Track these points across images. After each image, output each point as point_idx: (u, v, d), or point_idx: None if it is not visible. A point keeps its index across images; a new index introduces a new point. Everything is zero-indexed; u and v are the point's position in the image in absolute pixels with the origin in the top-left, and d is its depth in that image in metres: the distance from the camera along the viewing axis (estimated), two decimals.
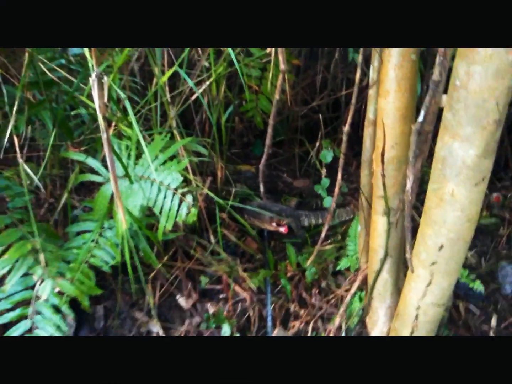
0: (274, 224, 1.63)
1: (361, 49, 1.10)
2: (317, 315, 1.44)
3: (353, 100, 1.12)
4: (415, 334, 1.06)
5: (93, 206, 1.37)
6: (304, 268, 1.57)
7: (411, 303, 1.03)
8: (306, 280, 1.53)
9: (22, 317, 1.28)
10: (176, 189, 1.25)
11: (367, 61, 1.20)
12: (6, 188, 1.33)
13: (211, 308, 1.50)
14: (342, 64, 1.85)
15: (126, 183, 1.29)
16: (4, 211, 1.30)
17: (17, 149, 1.24)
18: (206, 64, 1.58)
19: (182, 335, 1.45)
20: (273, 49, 1.29)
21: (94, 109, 1.34)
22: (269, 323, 1.44)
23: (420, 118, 0.84)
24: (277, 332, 1.42)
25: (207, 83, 1.46)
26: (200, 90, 1.42)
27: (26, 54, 1.20)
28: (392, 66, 1.00)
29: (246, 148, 2.19)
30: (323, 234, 1.31)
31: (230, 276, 1.54)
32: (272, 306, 1.48)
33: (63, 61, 1.39)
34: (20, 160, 1.24)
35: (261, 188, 1.50)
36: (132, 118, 1.09)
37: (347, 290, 1.43)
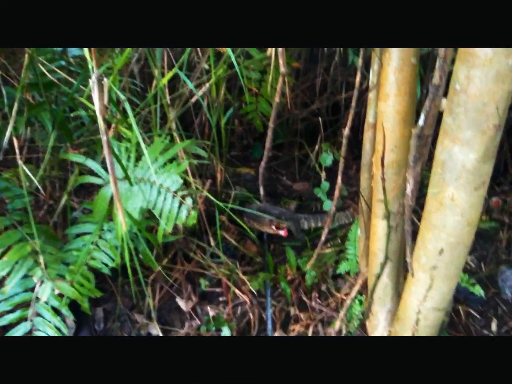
0: (273, 227, 1.63)
1: (361, 53, 1.10)
2: (317, 319, 1.44)
3: (353, 104, 1.12)
4: None
5: (92, 208, 1.37)
6: (303, 272, 1.57)
7: (411, 307, 1.02)
8: (306, 284, 1.53)
9: (22, 319, 1.28)
10: (176, 191, 1.25)
11: (366, 64, 1.20)
12: (6, 190, 1.33)
13: (211, 311, 1.49)
14: (341, 67, 1.85)
15: (125, 185, 1.28)
16: (3, 213, 1.30)
17: (17, 150, 1.23)
18: (206, 66, 1.58)
19: None
20: (273, 51, 1.30)
21: (94, 111, 1.34)
22: (269, 326, 1.43)
23: (421, 122, 0.84)
24: (277, 335, 1.42)
25: (207, 85, 1.46)
26: (200, 93, 1.42)
27: (26, 56, 1.20)
28: (392, 70, 1.00)
29: (245, 151, 2.19)
30: (323, 238, 1.31)
31: (230, 279, 1.54)
32: (272, 310, 1.48)
33: (63, 62, 1.39)
34: (20, 162, 1.24)
35: (261, 191, 1.50)
36: (132, 120, 1.08)
37: (347, 294, 1.42)
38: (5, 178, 1.36)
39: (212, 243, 1.60)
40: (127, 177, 1.26)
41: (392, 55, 0.98)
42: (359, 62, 1.08)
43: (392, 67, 0.99)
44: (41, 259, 1.27)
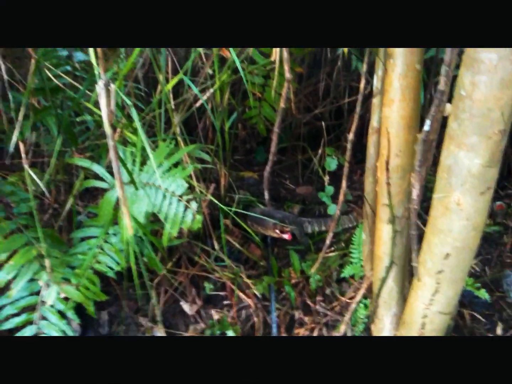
0: (277, 231, 1.63)
1: (365, 58, 1.11)
2: (321, 322, 1.44)
3: (357, 109, 1.12)
4: None
5: (97, 212, 1.38)
6: (308, 275, 1.57)
7: (417, 311, 1.03)
8: (310, 287, 1.53)
9: (28, 323, 1.29)
10: (181, 195, 1.26)
11: (370, 69, 1.21)
12: (11, 194, 1.34)
13: (215, 315, 1.50)
14: (344, 72, 1.86)
15: (131, 190, 1.29)
16: (9, 217, 1.30)
17: (23, 154, 1.24)
18: (210, 71, 1.59)
19: None
20: (277, 57, 1.30)
21: (99, 116, 1.35)
22: (274, 330, 1.43)
23: (426, 127, 0.85)
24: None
25: (211, 90, 1.47)
26: (205, 97, 1.43)
27: (32, 61, 1.21)
28: (396, 76, 1.00)
29: (248, 155, 2.20)
30: (327, 242, 1.31)
31: (234, 283, 1.54)
32: (277, 313, 1.48)
33: (68, 67, 1.40)
34: (26, 166, 1.24)
35: (266, 195, 1.51)
36: (138, 125, 1.09)
37: (352, 298, 1.43)
38: (11, 182, 1.37)
39: (216, 246, 1.61)
40: (132, 182, 1.27)
41: (396, 61, 0.99)
42: (364, 67, 1.09)
43: (397, 73, 1.00)
44: (46, 262, 1.27)
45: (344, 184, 1.22)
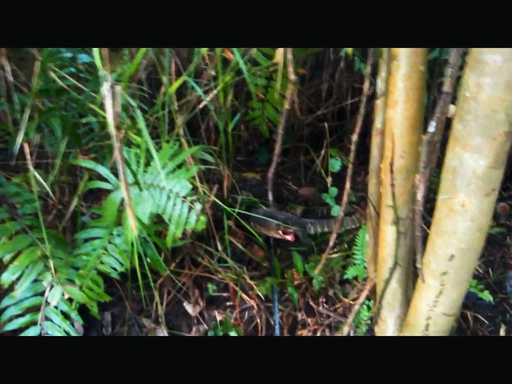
0: (280, 232, 1.63)
1: (369, 59, 1.11)
2: (324, 324, 1.44)
3: (361, 110, 1.13)
4: None
5: (101, 213, 1.38)
6: (310, 276, 1.57)
7: (421, 312, 1.03)
8: (313, 289, 1.53)
9: (32, 323, 1.29)
10: (185, 196, 1.26)
11: (372, 70, 1.21)
12: (16, 195, 1.34)
13: (218, 316, 1.50)
14: (347, 73, 1.86)
15: (135, 191, 1.29)
16: (14, 218, 1.31)
17: (28, 156, 1.25)
18: (213, 72, 1.60)
19: None
20: (281, 58, 1.31)
21: (103, 117, 1.36)
22: (277, 331, 1.44)
23: (431, 129, 0.85)
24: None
25: (214, 91, 1.47)
26: (208, 98, 1.44)
27: (37, 63, 1.22)
28: (400, 77, 1.01)
29: (251, 156, 2.20)
30: (331, 243, 1.32)
31: (237, 284, 1.54)
32: (280, 314, 1.48)
33: (72, 69, 1.41)
34: (31, 167, 1.25)
35: (270, 197, 1.51)
36: (142, 126, 1.10)
37: (355, 299, 1.43)
38: (16, 183, 1.37)
39: (219, 247, 1.61)
40: (137, 183, 1.28)
41: (400, 62, 0.99)
42: (368, 68, 1.09)
43: (401, 74, 1.00)
44: (51, 263, 1.28)
45: (347, 185, 1.22)
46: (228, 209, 1.42)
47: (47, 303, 1.31)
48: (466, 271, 0.94)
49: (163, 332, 1.46)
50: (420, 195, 0.91)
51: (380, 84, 1.15)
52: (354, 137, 1.16)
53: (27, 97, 1.28)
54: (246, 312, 1.52)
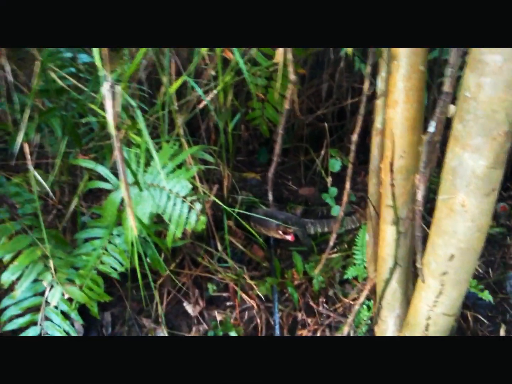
0: (280, 232, 1.63)
1: (369, 59, 1.11)
2: (324, 324, 1.44)
3: (361, 110, 1.13)
4: None
5: (101, 213, 1.38)
6: (310, 276, 1.57)
7: (421, 312, 1.03)
8: (313, 289, 1.53)
9: (32, 323, 1.29)
10: (185, 196, 1.26)
11: (372, 71, 1.21)
12: (16, 195, 1.34)
13: (218, 316, 1.50)
14: (347, 73, 1.86)
15: (135, 191, 1.29)
16: (14, 218, 1.31)
17: (28, 156, 1.25)
18: (212, 72, 1.60)
19: None
20: (281, 58, 1.31)
21: (103, 117, 1.36)
22: (277, 331, 1.44)
23: (431, 129, 0.85)
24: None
25: (214, 91, 1.47)
26: (208, 98, 1.44)
27: (38, 62, 1.21)
28: (400, 77, 1.01)
29: (251, 156, 2.20)
30: (331, 243, 1.32)
31: (237, 284, 1.54)
32: (279, 314, 1.48)
33: (72, 69, 1.41)
34: (31, 167, 1.25)
35: (270, 197, 1.51)
36: (142, 126, 1.10)
37: (355, 299, 1.43)
38: (16, 183, 1.37)
39: (219, 247, 1.61)
40: (136, 183, 1.28)
41: (400, 62, 1.00)
42: (368, 68, 1.09)
43: (401, 75, 1.00)
44: (51, 263, 1.28)
45: (347, 185, 1.22)
46: (228, 209, 1.42)
47: (47, 303, 1.31)
48: (466, 271, 0.94)
49: (163, 332, 1.46)
50: (420, 195, 0.91)
51: (380, 84, 1.15)
52: (354, 137, 1.16)
53: (27, 97, 1.28)
54: (246, 312, 1.52)
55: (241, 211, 1.52)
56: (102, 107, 1.31)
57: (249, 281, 1.55)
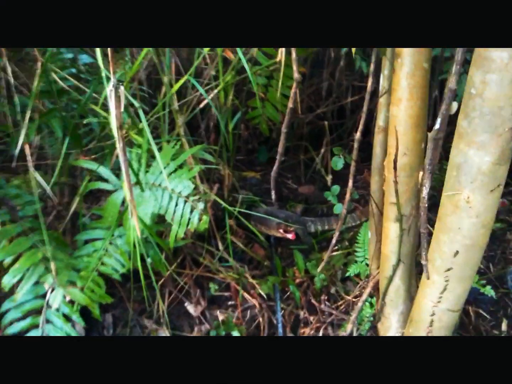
0: (281, 230, 1.63)
1: (373, 57, 1.11)
2: (326, 322, 1.44)
3: (364, 108, 1.13)
4: None
5: (102, 214, 1.37)
6: (312, 275, 1.57)
7: (425, 309, 1.03)
8: (315, 287, 1.53)
9: (33, 326, 1.28)
10: (187, 196, 1.26)
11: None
12: (16, 197, 1.33)
13: (220, 315, 1.50)
14: (347, 71, 1.87)
15: (137, 191, 1.29)
16: (14, 220, 1.30)
17: (29, 157, 1.24)
18: (212, 72, 1.60)
19: None
20: (283, 57, 1.31)
21: (104, 117, 1.35)
22: (280, 330, 1.44)
23: (437, 126, 0.86)
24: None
25: (215, 91, 1.47)
26: (210, 97, 1.43)
27: (39, 63, 1.20)
28: (404, 75, 1.01)
29: (250, 155, 2.20)
30: (333, 241, 1.32)
31: (238, 283, 1.54)
32: (282, 313, 1.48)
33: (73, 70, 1.40)
34: (32, 169, 1.24)
35: (273, 196, 1.51)
36: (145, 127, 1.09)
37: (357, 296, 1.43)
38: (16, 185, 1.36)
39: (221, 247, 1.61)
40: (138, 183, 1.27)
41: (404, 60, 1.00)
42: (371, 66, 1.09)
43: (404, 72, 1.00)
44: (52, 265, 1.27)
45: (350, 183, 1.22)
46: (230, 208, 1.42)
47: (48, 306, 1.30)
48: (471, 267, 0.95)
49: (165, 332, 1.45)
50: (425, 192, 0.91)
51: (382, 82, 1.15)
52: (357, 135, 1.16)
53: (27, 98, 1.27)
54: (248, 311, 1.52)
55: (242, 210, 1.52)
56: (103, 107, 1.31)
57: (250, 280, 1.55)
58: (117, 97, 0.93)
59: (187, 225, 1.25)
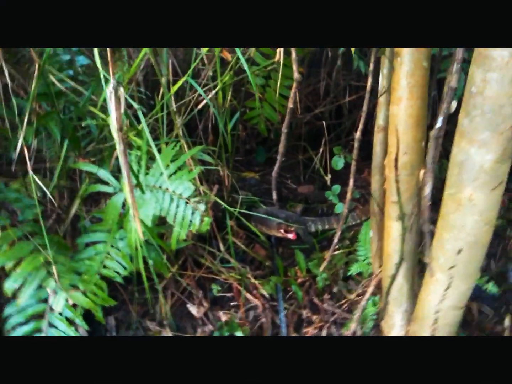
0: (282, 230, 1.63)
1: (372, 57, 1.12)
2: (329, 321, 1.45)
3: (364, 108, 1.13)
4: None
5: (103, 217, 1.37)
6: (314, 274, 1.58)
7: (430, 306, 1.04)
8: (318, 286, 1.54)
9: (36, 331, 1.27)
10: (188, 198, 1.25)
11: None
12: (16, 201, 1.32)
13: (223, 316, 1.50)
14: (344, 71, 1.87)
15: (137, 193, 1.28)
16: (15, 224, 1.29)
17: (28, 161, 1.23)
18: (210, 72, 1.59)
19: None
20: (281, 57, 1.31)
21: (103, 119, 1.34)
22: (283, 330, 1.44)
23: (439, 124, 0.86)
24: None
25: (213, 92, 1.47)
26: (209, 97, 1.43)
27: (36, 65, 1.20)
28: (404, 74, 1.01)
29: (248, 155, 2.20)
30: (335, 240, 1.32)
31: (241, 284, 1.54)
32: (284, 313, 1.49)
33: (71, 72, 1.39)
34: (31, 172, 1.23)
35: (274, 196, 1.51)
36: (145, 128, 1.09)
37: (359, 295, 1.43)
38: (15, 189, 1.35)
39: (222, 248, 1.61)
40: (139, 185, 1.27)
41: (403, 59, 1.00)
42: (371, 66, 1.09)
43: (404, 71, 1.01)
44: (54, 269, 1.26)
45: (351, 182, 1.23)
46: (231, 209, 1.42)
47: (51, 310, 1.29)
48: (474, 265, 0.95)
49: (168, 334, 1.45)
50: (427, 190, 0.91)
51: (381, 81, 1.15)
52: (358, 134, 1.16)
53: (25, 101, 1.26)
54: (251, 312, 1.52)
55: (242, 210, 1.52)
56: (101, 109, 1.30)
57: (253, 280, 1.55)
58: (117, 99, 0.93)
59: (189, 226, 1.25)
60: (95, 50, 0.96)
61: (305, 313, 1.50)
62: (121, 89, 0.94)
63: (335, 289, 1.53)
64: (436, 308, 1.02)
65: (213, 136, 1.83)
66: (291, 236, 1.62)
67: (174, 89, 1.29)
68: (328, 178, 1.82)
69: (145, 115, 1.45)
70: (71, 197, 1.52)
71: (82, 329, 1.37)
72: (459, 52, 0.81)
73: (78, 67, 1.39)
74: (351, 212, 1.79)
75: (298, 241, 1.70)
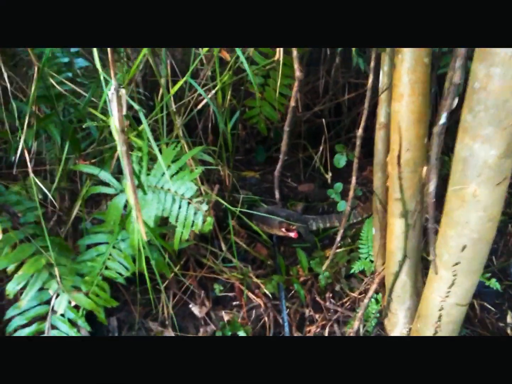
0: (283, 229, 1.63)
1: (373, 54, 1.12)
2: (332, 319, 1.44)
3: (366, 105, 1.13)
4: (438, 335, 1.07)
5: (105, 218, 1.36)
6: (316, 272, 1.57)
7: (434, 304, 1.04)
8: (320, 285, 1.53)
9: (38, 333, 1.27)
10: (190, 198, 1.25)
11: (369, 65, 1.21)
12: (17, 203, 1.32)
13: (225, 316, 1.49)
14: (343, 69, 1.87)
15: (139, 194, 1.28)
16: (16, 227, 1.28)
17: (28, 163, 1.22)
18: (209, 72, 1.59)
19: None
20: (281, 56, 1.31)
21: (103, 121, 1.34)
22: (286, 329, 1.44)
23: (442, 120, 0.86)
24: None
25: (213, 92, 1.46)
26: (209, 96, 1.43)
27: (35, 68, 1.19)
28: (405, 70, 1.01)
29: (248, 155, 2.19)
30: (338, 238, 1.32)
31: (243, 283, 1.54)
32: (287, 312, 1.48)
33: (69, 74, 1.38)
34: (32, 175, 1.23)
35: (277, 195, 1.51)
36: (146, 129, 1.08)
37: (362, 293, 1.44)
38: (16, 191, 1.35)
39: (223, 247, 1.60)
40: (140, 186, 1.26)
41: (405, 55, 1.00)
42: (372, 63, 1.09)
43: (405, 68, 1.01)
44: (56, 271, 1.26)
45: (354, 180, 1.22)
46: (232, 208, 1.41)
47: (54, 312, 1.29)
48: (479, 261, 0.95)
49: (170, 334, 1.45)
50: (432, 187, 0.91)
51: (382, 78, 1.15)
52: (359, 132, 1.16)
53: (24, 104, 1.26)
54: (254, 311, 1.52)
55: (243, 210, 1.52)
56: (102, 111, 1.29)
57: (255, 279, 1.55)
58: (119, 100, 0.92)
59: (192, 227, 1.24)
60: (95, 51, 0.95)
61: (308, 311, 1.50)
62: (123, 91, 0.94)
63: (337, 288, 1.53)
64: (440, 305, 1.02)
65: (213, 136, 1.83)
66: (292, 234, 1.62)
67: (174, 89, 1.29)
68: (328, 176, 1.82)
69: (145, 116, 1.45)
70: (72, 199, 1.52)
71: (84, 330, 1.36)
72: (464, 48, 0.81)
73: (77, 69, 1.38)
74: (352, 210, 1.79)
75: (299, 240, 1.70)
